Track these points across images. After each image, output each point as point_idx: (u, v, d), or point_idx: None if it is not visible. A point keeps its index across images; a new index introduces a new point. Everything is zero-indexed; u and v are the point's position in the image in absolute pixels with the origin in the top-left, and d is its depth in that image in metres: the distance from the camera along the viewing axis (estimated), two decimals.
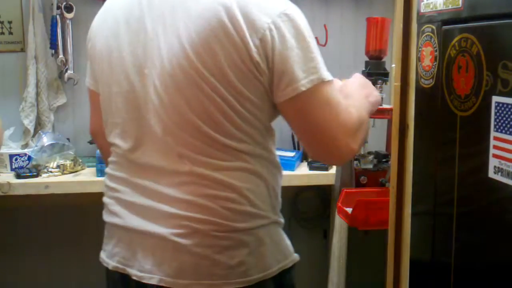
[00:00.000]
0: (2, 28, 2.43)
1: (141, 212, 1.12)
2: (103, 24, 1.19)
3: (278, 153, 1.21)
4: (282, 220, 1.17)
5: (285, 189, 1.26)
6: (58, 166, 2.18)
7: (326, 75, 1.05)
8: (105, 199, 1.22)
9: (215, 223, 1.06)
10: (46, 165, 2.18)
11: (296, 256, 1.18)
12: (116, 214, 1.17)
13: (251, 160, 1.09)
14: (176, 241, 1.06)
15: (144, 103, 1.10)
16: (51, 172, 2.16)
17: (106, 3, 1.22)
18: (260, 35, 1.01)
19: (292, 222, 2.63)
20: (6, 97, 2.43)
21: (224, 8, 1.01)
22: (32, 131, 2.36)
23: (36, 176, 2.13)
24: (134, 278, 1.12)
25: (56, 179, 2.15)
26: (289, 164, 2.31)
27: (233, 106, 1.04)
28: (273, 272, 1.11)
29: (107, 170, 1.24)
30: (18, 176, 2.11)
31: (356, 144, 1.10)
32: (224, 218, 1.06)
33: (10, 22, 2.43)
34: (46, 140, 2.24)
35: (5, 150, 2.19)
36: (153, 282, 1.09)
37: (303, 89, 1.03)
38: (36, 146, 2.23)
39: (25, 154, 2.17)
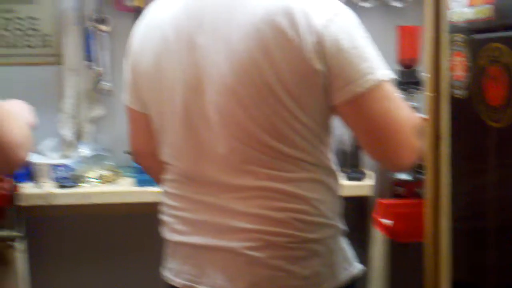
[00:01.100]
0: (40, 41, 2.50)
1: (206, 229, 1.12)
2: (148, 41, 1.15)
3: None
4: (346, 228, 1.17)
5: None
6: (98, 177, 2.24)
7: (384, 74, 1.04)
8: (165, 218, 1.21)
9: (289, 235, 1.06)
10: (86, 175, 2.24)
11: (357, 267, 1.17)
12: (180, 232, 1.16)
13: (315, 169, 1.09)
14: (249, 255, 1.06)
15: (201, 120, 1.08)
16: (91, 182, 2.23)
17: (146, 18, 1.19)
18: (316, 37, 1.01)
19: None
20: (43, 109, 2.47)
21: (281, 14, 1.01)
22: (71, 142, 2.43)
23: (77, 186, 2.20)
24: None
25: (96, 189, 2.21)
26: None
27: (293, 113, 1.04)
28: (343, 280, 1.11)
29: (164, 188, 1.22)
30: (60, 186, 2.18)
31: (418, 144, 1.09)
32: (297, 229, 1.06)
33: (47, 35, 2.50)
34: (85, 150, 2.30)
35: (46, 160, 2.26)
36: None
37: (360, 89, 1.02)
38: (76, 156, 2.29)
39: (66, 165, 2.23)
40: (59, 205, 2.11)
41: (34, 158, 2.26)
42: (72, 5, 2.43)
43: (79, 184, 2.20)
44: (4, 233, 1.96)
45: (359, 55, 1.03)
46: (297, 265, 1.07)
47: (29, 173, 2.27)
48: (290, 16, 1.01)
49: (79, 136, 2.47)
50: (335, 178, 1.15)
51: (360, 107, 1.04)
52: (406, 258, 2.17)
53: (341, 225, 1.16)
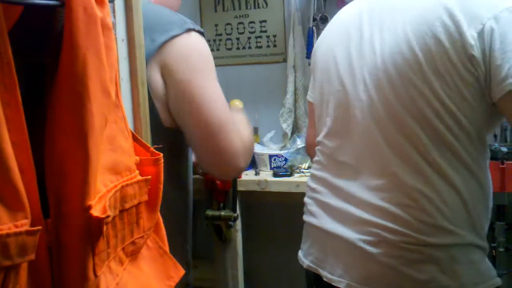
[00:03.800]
0: (268, 41, 2.72)
1: (335, 214, 1.15)
2: (326, 37, 1.28)
3: None
4: (485, 244, 1.07)
5: None
6: (309, 167, 2.34)
7: None
8: (306, 199, 1.28)
9: (406, 235, 1.02)
10: (299, 166, 2.36)
11: (498, 280, 1.06)
12: (313, 214, 1.22)
13: (452, 172, 1.03)
14: (363, 248, 1.07)
15: (352, 101, 1.13)
16: (303, 172, 2.33)
17: (332, 19, 1.31)
18: (479, 29, 0.97)
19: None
20: (270, 103, 2.71)
21: (444, 7, 1.01)
22: (289, 134, 2.58)
23: (290, 175, 2.32)
24: (325, 279, 1.16)
25: (306, 179, 2.30)
26: None
27: (445, 104, 1.01)
28: None
29: (311, 170, 1.30)
30: (275, 174, 2.34)
31: None
32: (416, 230, 1.02)
33: (274, 36, 2.71)
34: (300, 142, 2.42)
35: (266, 150, 2.44)
36: (342, 286, 1.11)
37: None
38: (292, 148, 2.43)
39: (282, 155, 2.38)
40: (272, 191, 2.26)
41: (257, 148, 2.48)
42: (297, 7, 2.59)
43: (292, 173, 2.33)
44: (226, 213, 2.19)
45: None
46: (410, 267, 1.01)
47: (251, 161, 2.50)
48: (455, 9, 1.00)
49: (296, 129, 2.62)
50: (476, 188, 1.05)
51: None
52: None
53: (476, 239, 1.04)
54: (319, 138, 1.26)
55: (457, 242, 1.03)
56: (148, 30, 1.13)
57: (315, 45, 1.34)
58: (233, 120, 1.22)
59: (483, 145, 1.07)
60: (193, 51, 1.19)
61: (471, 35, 0.97)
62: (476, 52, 0.97)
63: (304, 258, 1.25)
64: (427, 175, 1.03)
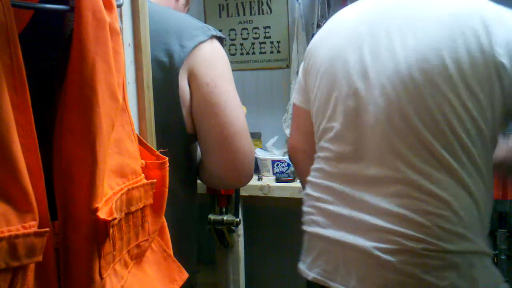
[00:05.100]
0: (271, 47, 2.73)
1: (345, 224, 1.11)
2: (329, 38, 1.23)
3: None
4: (491, 251, 1.07)
5: None
6: None
7: None
8: (306, 208, 1.24)
9: (427, 242, 1.01)
10: None
11: (506, 285, 1.07)
12: (318, 224, 1.17)
13: (466, 177, 1.03)
14: (379, 256, 1.04)
15: (366, 106, 1.10)
16: None
17: (334, 20, 1.27)
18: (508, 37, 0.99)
19: None
20: (273, 109, 2.72)
21: (474, 13, 1.02)
22: None
23: (293, 181, 2.33)
24: None
25: None
26: None
27: (468, 109, 1.01)
28: None
29: (310, 178, 1.25)
30: (278, 180, 2.35)
31: None
32: (436, 237, 1.01)
33: (278, 42, 2.71)
34: None
35: (269, 156, 2.45)
36: None
37: None
38: None
39: (285, 161, 2.38)
40: (274, 197, 2.26)
41: (259, 153, 2.48)
42: (301, 13, 2.60)
43: (295, 179, 2.33)
44: (228, 218, 2.19)
45: None
46: (431, 274, 1.00)
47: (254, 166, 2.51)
48: (484, 15, 1.01)
49: None
50: (488, 195, 1.06)
51: None
52: None
53: (486, 247, 1.05)
54: (321, 143, 1.21)
55: (473, 249, 1.03)
56: (175, 35, 1.16)
57: (311, 46, 1.29)
58: (247, 127, 1.25)
59: (493, 150, 1.07)
60: (217, 57, 1.23)
61: (500, 42, 0.99)
62: (506, 60, 0.99)
63: (308, 270, 1.19)
64: (444, 180, 1.02)
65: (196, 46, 1.18)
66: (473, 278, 1.02)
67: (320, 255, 1.17)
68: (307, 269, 1.20)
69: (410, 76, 1.03)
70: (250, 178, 1.30)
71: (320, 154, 1.23)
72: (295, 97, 1.36)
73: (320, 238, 1.17)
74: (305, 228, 1.23)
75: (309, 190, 1.24)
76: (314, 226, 1.19)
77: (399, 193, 1.04)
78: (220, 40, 1.26)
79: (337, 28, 1.23)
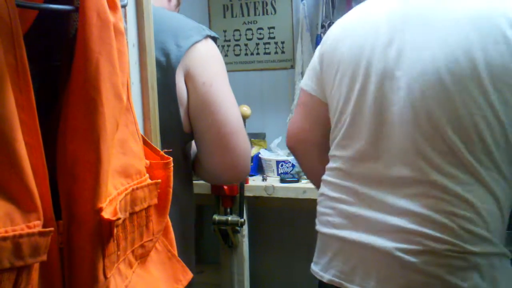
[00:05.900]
0: (276, 48, 2.73)
1: (364, 224, 1.09)
2: (354, 31, 1.18)
3: None
4: (509, 253, 1.07)
5: None
6: None
7: None
8: (323, 209, 1.21)
9: (450, 243, 1.01)
10: None
11: None
12: (334, 225, 1.15)
13: (490, 179, 1.02)
14: (401, 257, 1.03)
15: (388, 105, 1.08)
16: None
17: (357, 13, 1.22)
18: None
19: None
20: (278, 109, 2.72)
21: (502, 15, 1.01)
22: None
23: (297, 181, 2.32)
24: None
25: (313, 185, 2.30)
26: None
27: (495, 111, 1.00)
28: None
29: (326, 177, 1.22)
30: (282, 180, 2.34)
31: None
32: (460, 239, 1.00)
33: (282, 42, 2.72)
34: None
35: (273, 156, 2.45)
36: None
37: None
38: None
39: (289, 161, 2.38)
40: (279, 197, 2.26)
41: (264, 154, 2.48)
42: (306, 14, 2.59)
43: (299, 179, 2.33)
44: (233, 218, 2.19)
45: None
46: (455, 275, 1.00)
47: (258, 167, 2.51)
48: (505, 14, 1.00)
49: None
50: (509, 192, 1.05)
51: None
52: None
53: (505, 249, 1.04)
54: (338, 141, 1.17)
55: (495, 250, 1.03)
56: (171, 35, 1.17)
57: (333, 33, 1.23)
58: (243, 125, 1.27)
59: None
60: (212, 57, 1.25)
61: None
62: None
63: (323, 272, 1.16)
64: (468, 182, 1.01)
65: (191, 45, 1.20)
66: (495, 279, 1.02)
67: (336, 256, 1.15)
68: (321, 270, 1.18)
69: (439, 77, 1.02)
70: (247, 174, 1.33)
71: (336, 152, 1.20)
72: (306, 84, 1.30)
73: (336, 239, 1.15)
74: (319, 228, 1.22)
75: (327, 191, 1.20)
76: (331, 227, 1.17)
77: (423, 194, 1.03)
78: (214, 40, 1.28)
79: (359, 25, 1.19)
